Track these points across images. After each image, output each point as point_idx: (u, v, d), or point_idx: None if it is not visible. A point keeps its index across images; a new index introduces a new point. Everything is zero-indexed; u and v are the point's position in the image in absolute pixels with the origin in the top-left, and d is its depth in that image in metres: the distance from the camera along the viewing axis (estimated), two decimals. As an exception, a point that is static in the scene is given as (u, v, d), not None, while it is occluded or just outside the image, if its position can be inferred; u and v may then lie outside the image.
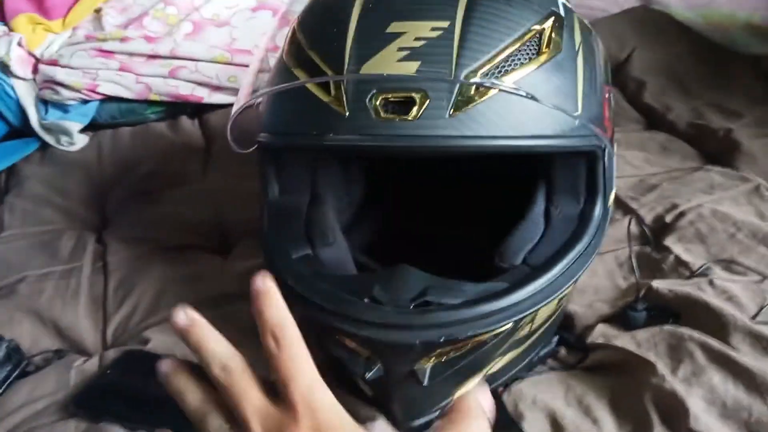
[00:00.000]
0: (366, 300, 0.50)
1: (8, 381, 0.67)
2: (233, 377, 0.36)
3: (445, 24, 0.50)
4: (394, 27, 0.50)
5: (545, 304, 0.53)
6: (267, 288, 0.38)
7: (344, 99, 0.49)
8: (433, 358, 0.50)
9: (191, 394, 0.38)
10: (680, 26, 1.16)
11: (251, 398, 0.36)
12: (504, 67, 0.49)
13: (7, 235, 0.88)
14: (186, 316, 0.38)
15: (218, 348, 0.38)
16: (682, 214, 0.74)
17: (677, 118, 0.93)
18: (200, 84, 1.04)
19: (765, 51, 1.10)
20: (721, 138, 0.87)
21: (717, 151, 0.87)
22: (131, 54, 1.02)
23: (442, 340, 0.49)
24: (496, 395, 0.59)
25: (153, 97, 1.03)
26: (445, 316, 0.49)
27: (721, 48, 1.09)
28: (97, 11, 1.10)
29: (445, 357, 0.51)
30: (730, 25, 1.24)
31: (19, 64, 1.05)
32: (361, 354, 0.52)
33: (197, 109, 1.07)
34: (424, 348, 0.49)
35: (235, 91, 1.03)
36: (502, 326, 0.51)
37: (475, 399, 0.42)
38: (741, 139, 0.85)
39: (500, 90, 0.48)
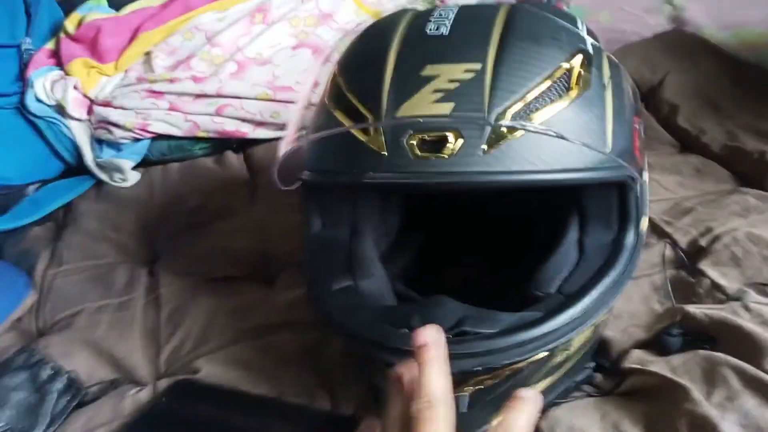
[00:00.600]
0: (405, 330, 0.52)
1: (67, 411, 0.70)
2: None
3: (477, 66, 0.52)
4: (428, 70, 0.53)
5: (580, 332, 0.54)
6: (438, 342, 0.39)
7: (382, 139, 0.52)
8: (471, 386, 0.52)
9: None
10: (713, 48, 1.16)
11: None
12: (535, 105, 0.51)
13: (65, 270, 0.93)
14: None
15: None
16: (716, 238, 0.75)
17: (711, 141, 0.93)
18: (244, 120, 1.08)
19: (799, 71, 1.10)
20: (755, 160, 0.87)
21: (751, 173, 0.87)
22: (180, 94, 1.08)
23: (479, 368, 0.51)
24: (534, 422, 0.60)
25: (200, 134, 1.08)
26: (482, 345, 0.51)
27: (754, 69, 1.09)
28: (147, 54, 1.16)
29: (482, 385, 0.52)
30: (764, 45, 1.24)
31: (75, 106, 1.11)
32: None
33: (242, 144, 1.12)
34: (462, 376, 0.51)
35: (277, 126, 1.08)
36: (537, 354, 0.52)
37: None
38: (775, 161, 0.85)
39: (527, 131, 0.50)
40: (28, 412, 0.69)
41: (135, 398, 0.70)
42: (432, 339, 0.39)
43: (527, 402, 0.40)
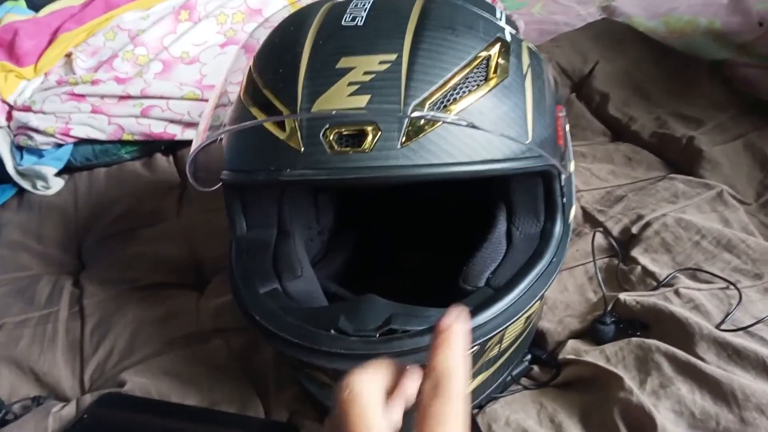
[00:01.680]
0: (332, 331, 0.51)
1: (-13, 431, 0.67)
2: None
3: (392, 57, 0.51)
4: (344, 62, 0.51)
5: (510, 324, 0.53)
6: (454, 330, 0.35)
7: (299, 135, 0.50)
8: (402, 385, 0.51)
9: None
10: (641, 36, 1.17)
11: None
12: (453, 95, 0.50)
13: (-14, 284, 0.88)
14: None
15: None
16: (647, 225, 0.75)
17: (641, 129, 0.95)
18: (172, 122, 1.05)
19: (725, 56, 1.12)
20: (683, 146, 0.88)
21: (680, 159, 0.88)
22: (103, 96, 1.03)
23: (407, 367, 0.49)
24: (470, 418, 0.59)
25: (126, 137, 1.04)
26: (410, 343, 0.50)
27: (682, 56, 1.11)
28: (68, 56, 1.11)
29: (414, 383, 0.51)
30: (692, 31, 1.26)
31: (-8, 113, 1.06)
32: (331, 386, 0.53)
33: (171, 146, 1.08)
34: (391, 376, 0.50)
35: (207, 127, 1.04)
36: (468, 349, 0.51)
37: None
38: (702, 146, 0.86)
39: (444, 122, 0.49)
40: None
41: (59, 415, 0.67)
42: (455, 323, 0.36)
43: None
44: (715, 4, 1.33)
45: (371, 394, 0.35)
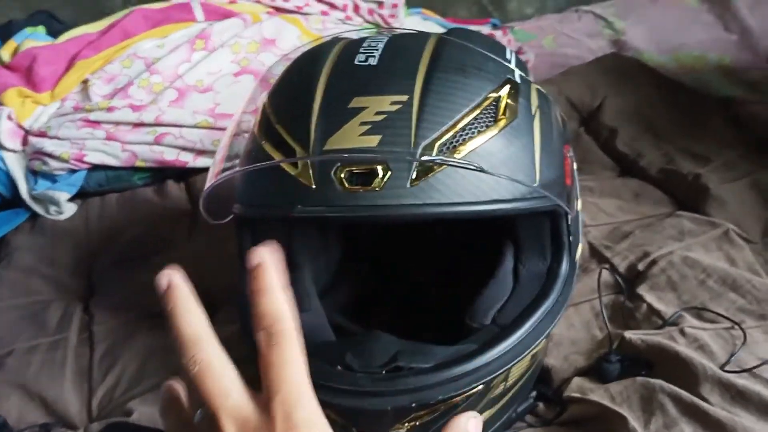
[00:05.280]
0: (339, 367, 0.51)
1: (-5, 457, 0.67)
2: (206, 370, 0.32)
3: (404, 98, 0.52)
4: (356, 102, 0.52)
5: (516, 363, 0.54)
6: (267, 266, 0.33)
7: (311, 172, 0.51)
8: (407, 423, 0.51)
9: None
10: (651, 71, 1.19)
11: (227, 394, 0.31)
12: (462, 135, 0.51)
13: (-3, 308, 0.89)
14: (167, 278, 0.34)
15: (191, 329, 0.33)
16: (654, 262, 0.76)
17: (649, 165, 0.95)
18: (185, 149, 1.06)
19: (735, 93, 1.13)
20: (690, 183, 0.89)
21: (687, 196, 0.89)
22: (117, 123, 1.05)
23: (413, 405, 0.50)
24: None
25: (139, 163, 1.06)
26: (416, 380, 0.50)
27: (692, 92, 1.12)
28: (84, 82, 1.13)
29: (419, 421, 0.51)
30: (702, 67, 1.28)
31: (9, 137, 1.07)
32: (336, 421, 0.53)
33: (183, 174, 1.09)
34: (397, 413, 0.50)
35: (218, 155, 1.06)
36: (473, 388, 0.52)
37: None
38: (709, 183, 0.87)
39: (449, 166, 0.49)
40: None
41: (66, 443, 0.67)
42: (265, 259, 0.33)
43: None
44: (726, 40, 1.35)
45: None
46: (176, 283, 0.34)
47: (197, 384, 0.32)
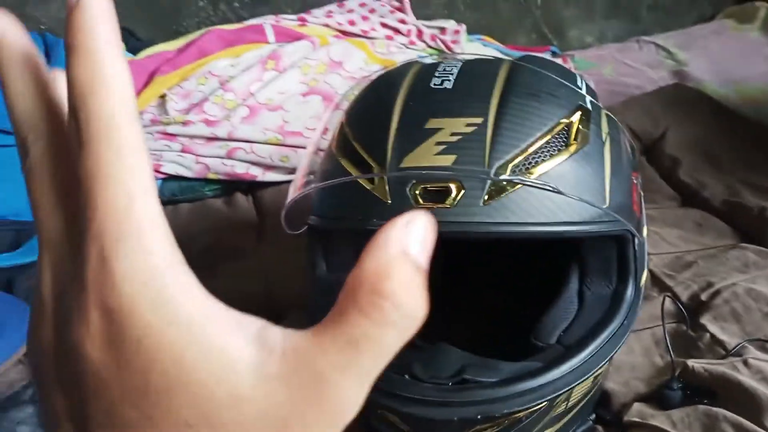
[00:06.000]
0: (406, 376, 0.53)
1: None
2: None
3: (479, 120, 0.54)
4: (432, 123, 0.55)
5: (579, 383, 0.55)
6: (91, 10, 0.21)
7: (387, 188, 0.54)
8: (471, 435, 0.53)
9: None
10: (713, 103, 1.18)
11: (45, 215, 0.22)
12: (534, 159, 0.53)
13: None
14: None
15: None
16: (717, 293, 0.76)
17: (712, 196, 0.95)
18: (255, 164, 1.10)
19: (799, 127, 1.12)
20: (755, 216, 0.88)
21: (751, 229, 0.88)
22: (192, 137, 1.10)
23: (478, 417, 0.51)
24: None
25: (211, 175, 1.10)
26: (482, 393, 0.52)
27: (755, 124, 1.11)
28: (162, 97, 1.19)
29: (482, 434, 0.53)
30: (764, 100, 1.26)
31: (90, 147, 1.14)
32: (401, 429, 0.55)
33: (251, 187, 1.13)
34: (461, 424, 0.52)
35: (286, 170, 1.10)
36: (537, 404, 0.53)
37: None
38: (775, 217, 0.86)
39: (525, 185, 0.51)
40: (32, 447, 0.70)
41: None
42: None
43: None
44: (790, 73, 1.33)
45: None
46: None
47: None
